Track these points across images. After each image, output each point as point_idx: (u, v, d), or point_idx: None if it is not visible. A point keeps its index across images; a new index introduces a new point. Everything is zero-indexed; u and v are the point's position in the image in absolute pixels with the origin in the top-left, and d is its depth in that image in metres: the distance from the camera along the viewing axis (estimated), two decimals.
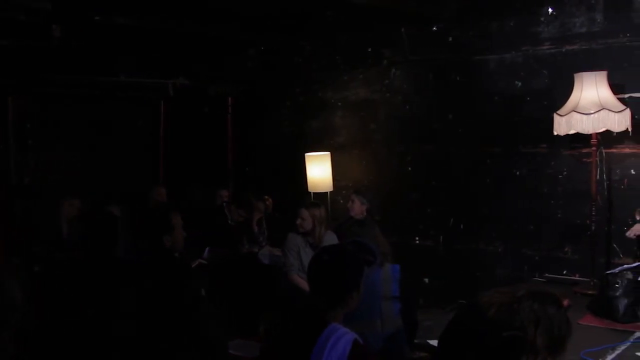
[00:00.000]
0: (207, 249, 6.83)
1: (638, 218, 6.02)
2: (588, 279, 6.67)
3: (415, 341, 4.49)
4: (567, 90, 6.58)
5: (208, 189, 8.33)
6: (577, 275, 7.04)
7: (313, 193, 8.19)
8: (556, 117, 6.53)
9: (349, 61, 8.61)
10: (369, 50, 8.42)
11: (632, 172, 6.72)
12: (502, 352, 2.88)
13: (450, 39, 7.76)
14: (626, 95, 6.65)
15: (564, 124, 6.45)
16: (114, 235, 4.36)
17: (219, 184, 8.51)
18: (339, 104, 8.78)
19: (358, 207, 6.73)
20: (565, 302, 5.32)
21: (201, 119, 9.52)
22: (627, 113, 6.32)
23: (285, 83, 9.19)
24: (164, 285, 3.76)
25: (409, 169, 8.17)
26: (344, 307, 3.05)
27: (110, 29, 7.52)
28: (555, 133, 6.57)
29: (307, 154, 8.38)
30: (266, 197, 7.95)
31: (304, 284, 5.64)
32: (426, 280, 7.37)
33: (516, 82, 7.34)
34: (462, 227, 7.80)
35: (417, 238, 8.14)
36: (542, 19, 7.12)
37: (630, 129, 6.32)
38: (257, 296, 6.11)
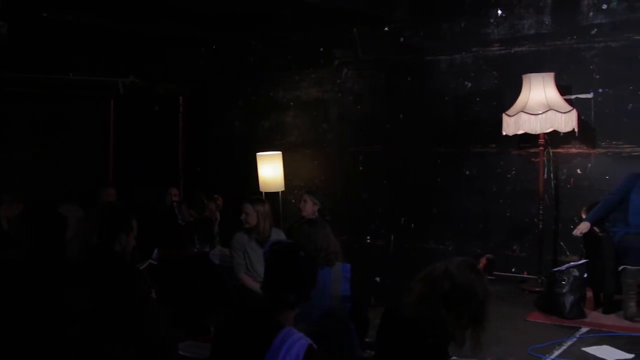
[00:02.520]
0: (155, 249, 6.74)
1: (584, 216, 6.13)
2: (535, 277, 6.78)
3: (367, 340, 4.50)
4: (515, 91, 6.68)
5: (158, 188, 8.22)
6: (525, 272, 7.14)
7: (265, 193, 8.15)
8: (505, 118, 6.62)
9: (300, 61, 8.59)
10: (321, 50, 8.41)
11: (579, 171, 6.84)
12: (431, 355, 2.92)
13: (402, 39, 7.80)
14: (573, 96, 6.77)
15: (513, 124, 6.53)
16: (61, 236, 4.27)
17: (169, 184, 8.41)
18: (291, 103, 8.76)
19: (310, 207, 6.70)
20: (483, 262, 5.38)
21: (152, 118, 9.40)
22: (574, 114, 6.43)
23: (236, 82, 9.13)
24: (111, 286, 3.69)
25: (361, 168, 8.19)
26: (297, 309, 3.03)
27: (60, 26, 7.37)
28: (504, 133, 6.66)
29: (258, 154, 8.34)
30: (217, 196, 7.88)
31: (252, 284, 5.60)
32: (377, 279, 7.39)
33: (466, 82, 7.42)
34: (412, 226, 7.84)
35: (368, 237, 8.16)
36: (492, 20, 7.21)
37: (576, 130, 6.44)
38: (208, 296, 6.04)
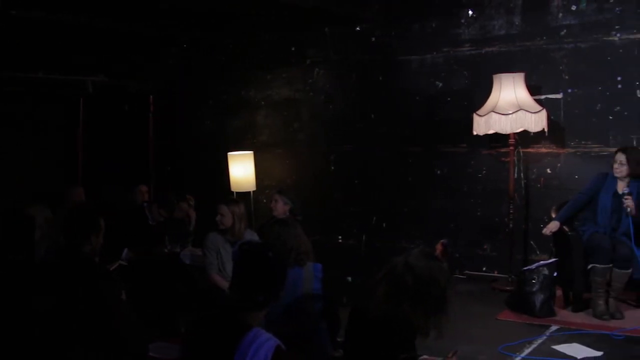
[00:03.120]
0: (125, 250, 6.67)
1: (554, 216, 6.18)
2: (506, 276, 6.83)
3: (338, 340, 4.49)
4: (486, 91, 6.72)
5: (128, 188, 8.14)
6: (495, 271, 7.19)
7: (236, 192, 8.11)
8: (475, 117, 6.66)
9: (272, 60, 8.56)
10: (293, 49, 8.40)
11: (548, 171, 6.90)
12: (399, 352, 2.94)
13: (373, 39, 7.82)
14: (542, 97, 6.83)
15: (483, 124, 6.57)
16: (29, 237, 4.20)
17: (139, 183, 8.32)
18: (262, 103, 8.73)
19: (281, 207, 6.68)
20: (439, 248, 5.41)
21: (121, 117, 9.31)
22: (544, 114, 6.49)
23: (207, 81, 9.07)
24: (80, 288, 3.65)
25: (332, 168, 8.19)
26: (266, 309, 3.01)
27: (29, 25, 7.27)
28: (474, 133, 6.70)
29: (229, 153, 8.30)
30: (189, 196, 7.82)
31: (223, 284, 5.57)
32: (349, 278, 7.38)
33: (437, 82, 7.45)
34: (384, 225, 7.86)
35: (339, 237, 8.17)
36: (463, 21, 7.25)
37: (546, 129, 6.50)
38: (178, 297, 6.00)
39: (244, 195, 8.04)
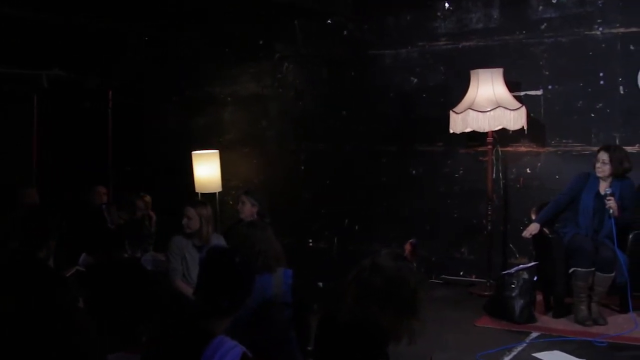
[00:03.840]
0: (82, 254, 6.58)
1: (534, 217, 6.20)
2: (484, 280, 6.84)
3: (309, 348, 4.46)
4: (463, 87, 6.73)
5: (85, 189, 8.03)
6: (473, 276, 7.20)
7: (201, 194, 8.05)
8: (452, 115, 6.66)
9: (239, 54, 8.51)
10: (261, 43, 8.35)
11: (528, 170, 6.93)
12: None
13: (345, 32, 7.80)
14: (522, 93, 6.85)
15: (460, 122, 6.58)
16: None
17: (98, 184, 8.21)
18: (229, 99, 8.67)
19: (248, 209, 6.62)
20: (408, 248, 5.41)
21: (79, 113, 9.17)
22: (523, 111, 6.51)
23: (170, 76, 8.98)
24: (34, 295, 3.57)
25: (302, 167, 8.16)
26: (231, 316, 2.98)
27: None
28: (451, 131, 6.71)
29: (194, 152, 8.22)
30: (143, 194, 7.72)
31: (187, 290, 5.50)
32: (320, 284, 7.35)
33: (412, 78, 7.45)
34: (357, 227, 7.84)
35: (310, 240, 8.14)
36: (439, 14, 7.25)
37: (525, 128, 6.52)
38: (139, 304, 5.92)
39: (209, 197, 7.96)
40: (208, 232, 5.74)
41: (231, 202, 8.19)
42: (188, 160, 8.24)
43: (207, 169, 8.15)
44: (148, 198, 7.63)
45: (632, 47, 6.42)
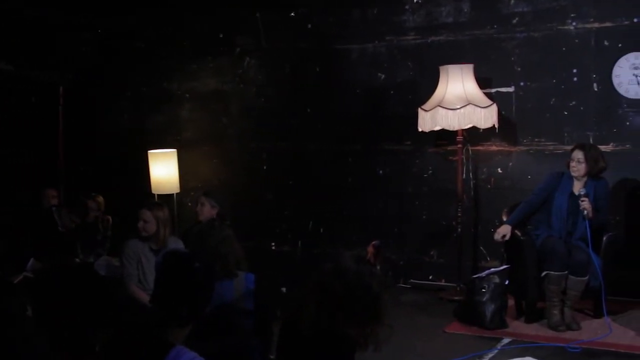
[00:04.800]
0: (31, 260, 6.50)
1: (505, 219, 6.23)
2: (454, 284, 6.87)
3: (271, 357, 4.44)
4: (432, 83, 6.75)
5: (34, 190, 7.92)
6: (443, 280, 7.23)
7: (157, 195, 7.97)
8: (421, 112, 6.67)
9: (198, 48, 8.44)
10: (221, 36, 8.29)
11: (499, 170, 6.98)
12: None
13: (310, 26, 7.78)
14: (493, 90, 6.90)
15: (429, 120, 6.60)
16: None
17: (47, 185, 8.11)
18: (187, 95, 8.60)
19: (208, 211, 6.60)
20: (370, 251, 5.44)
21: (27, 110, 9.04)
22: (494, 109, 6.54)
23: (125, 71, 8.89)
24: None
25: (264, 167, 8.12)
26: (191, 325, 2.95)
27: None
28: (419, 129, 6.73)
29: (150, 152, 8.14)
30: (95, 194, 7.63)
31: (143, 297, 5.45)
32: (284, 289, 7.33)
33: (379, 74, 7.45)
34: (321, 230, 7.83)
35: (273, 243, 8.11)
36: (407, 7, 7.27)
37: (497, 126, 6.56)
38: (92, 312, 5.85)
39: (166, 198, 7.89)
40: (165, 236, 5.70)
41: (190, 204, 8.13)
42: (144, 160, 8.16)
43: (164, 168, 8.08)
44: (100, 199, 7.55)
45: (606, 43, 6.49)
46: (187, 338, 2.97)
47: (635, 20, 6.37)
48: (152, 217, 5.66)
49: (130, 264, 5.68)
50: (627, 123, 6.48)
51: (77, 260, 7.07)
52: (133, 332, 2.98)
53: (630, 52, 6.41)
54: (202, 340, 3.22)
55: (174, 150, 8.22)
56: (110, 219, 7.54)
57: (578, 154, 5.91)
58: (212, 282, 3.08)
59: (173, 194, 8.15)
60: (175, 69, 8.61)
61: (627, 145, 6.49)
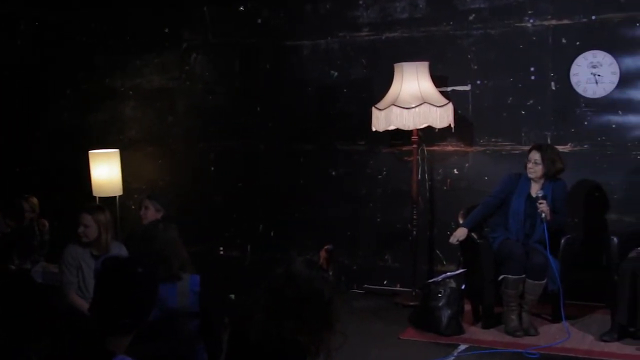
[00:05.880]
0: None
1: (461, 221, 6.29)
2: (409, 289, 6.91)
3: None
4: (386, 81, 6.78)
5: None
6: (398, 285, 7.27)
7: (99, 197, 7.89)
8: (375, 112, 6.70)
9: (142, 43, 8.36)
10: (166, 31, 8.23)
11: (455, 171, 7.04)
12: None
13: (259, 21, 7.76)
14: (449, 88, 6.96)
15: (383, 119, 6.62)
16: None
17: None
18: (130, 92, 8.52)
19: (152, 214, 6.56)
20: (323, 255, 5.48)
21: None
22: (450, 108, 6.60)
23: (65, 67, 8.78)
24: None
25: (212, 168, 8.09)
26: (133, 333, 2.92)
27: None
28: (373, 129, 6.75)
29: (91, 152, 8.05)
30: (28, 195, 7.53)
31: (83, 305, 5.39)
32: (232, 296, 7.30)
33: (332, 71, 7.47)
34: (272, 234, 7.82)
35: (221, 248, 8.08)
36: (361, 2, 7.30)
37: (452, 125, 6.62)
38: (29, 322, 5.79)
39: (108, 201, 7.82)
40: (107, 241, 5.64)
41: (133, 207, 8.06)
42: (84, 161, 8.07)
43: (106, 170, 8.00)
44: (34, 200, 7.45)
45: (564, 40, 6.59)
46: (130, 343, 2.95)
47: (593, 17, 6.47)
48: (93, 221, 5.60)
49: (70, 271, 5.62)
50: (585, 123, 6.58)
51: (12, 267, 6.98)
52: (72, 342, 2.95)
53: (588, 50, 6.51)
54: (145, 345, 3.20)
55: (117, 150, 8.14)
56: (47, 223, 7.43)
57: (535, 155, 5.98)
58: (156, 288, 3.06)
59: (115, 197, 8.07)
60: (118, 64, 8.52)
61: (585, 146, 6.59)
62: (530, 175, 6.04)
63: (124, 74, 8.52)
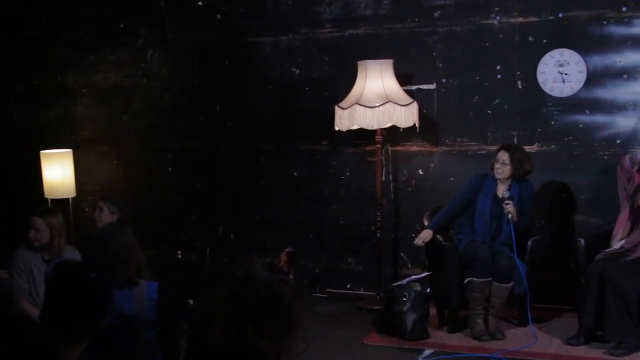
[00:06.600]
0: None
1: (426, 223, 6.30)
2: (374, 293, 6.91)
3: None
4: (349, 79, 6.78)
5: None
6: (362, 289, 7.27)
7: (51, 199, 7.80)
8: (338, 110, 6.70)
9: (96, 38, 8.28)
10: (121, 26, 8.16)
11: (420, 172, 7.05)
12: None
13: (219, 16, 7.72)
14: (414, 87, 6.97)
15: (346, 119, 6.62)
16: None
17: None
18: (84, 90, 8.43)
19: (107, 217, 6.49)
20: (283, 259, 5.47)
21: None
22: (415, 107, 6.61)
23: (14, 63, 8.67)
24: None
25: (169, 169, 8.03)
26: (86, 341, 2.88)
27: None
28: (336, 128, 6.75)
29: (42, 152, 7.95)
30: None
31: (34, 311, 5.33)
32: (191, 301, 7.26)
33: (293, 69, 7.45)
34: (232, 237, 7.78)
35: (179, 251, 8.02)
36: None
37: (417, 125, 6.63)
38: None
39: (61, 203, 7.73)
40: (60, 245, 5.58)
41: (87, 209, 7.96)
42: (36, 161, 7.97)
43: (58, 170, 7.90)
44: None
45: (531, 39, 6.64)
46: (83, 353, 2.91)
47: (560, 15, 6.53)
48: (44, 224, 5.54)
49: (21, 277, 5.55)
50: (552, 122, 6.63)
51: None
52: (22, 350, 2.90)
53: (555, 48, 6.56)
54: (99, 354, 3.16)
55: (70, 150, 8.04)
56: None
57: (503, 155, 6.01)
58: (110, 294, 3.02)
59: (68, 199, 7.98)
60: (71, 61, 8.42)
61: (552, 146, 6.65)
62: (497, 176, 6.07)
63: (77, 71, 8.42)
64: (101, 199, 6.65)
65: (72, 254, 5.66)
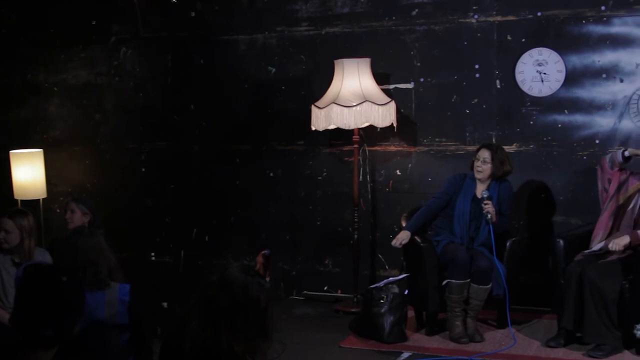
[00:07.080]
0: None
1: (404, 224, 6.31)
2: (351, 295, 6.92)
3: None
4: (326, 78, 6.78)
5: None
6: (339, 291, 7.28)
7: (21, 201, 7.75)
8: (314, 110, 6.70)
9: (67, 36, 8.24)
10: (93, 23, 8.12)
11: (398, 172, 7.07)
12: None
13: (193, 14, 7.70)
14: (391, 86, 6.99)
15: (323, 118, 6.62)
16: None
17: None
18: (55, 89, 8.39)
19: (79, 218, 6.45)
20: (259, 261, 5.48)
21: None
22: (392, 106, 6.63)
23: None
24: None
25: (143, 170, 8.00)
26: (56, 345, 2.87)
27: None
28: (313, 128, 6.75)
29: (12, 152, 7.90)
30: None
31: (4, 316, 5.29)
32: (165, 304, 7.25)
33: (269, 67, 7.45)
34: (206, 239, 7.76)
35: (153, 254, 7.99)
36: None
37: (395, 125, 6.64)
38: None
39: (31, 204, 7.69)
40: (30, 247, 5.55)
41: (58, 211, 7.93)
42: (5, 162, 7.93)
43: (28, 171, 7.86)
44: None
45: (509, 37, 6.67)
46: (54, 357, 2.90)
47: (539, 14, 6.56)
48: (14, 226, 5.50)
49: None
50: (531, 122, 6.67)
51: None
52: None
53: (533, 47, 6.60)
54: (71, 356, 3.14)
55: (40, 150, 8.00)
56: None
57: (484, 154, 6.02)
58: (82, 298, 3.01)
59: (39, 200, 7.94)
60: (41, 59, 8.38)
61: (531, 146, 6.68)
62: (477, 175, 6.08)
63: (47, 69, 8.38)
64: (73, 200, 6.60)
65: (42, 256, 5.63)
